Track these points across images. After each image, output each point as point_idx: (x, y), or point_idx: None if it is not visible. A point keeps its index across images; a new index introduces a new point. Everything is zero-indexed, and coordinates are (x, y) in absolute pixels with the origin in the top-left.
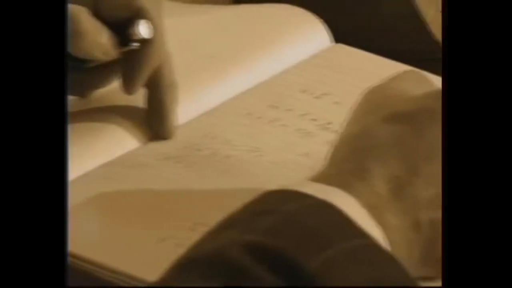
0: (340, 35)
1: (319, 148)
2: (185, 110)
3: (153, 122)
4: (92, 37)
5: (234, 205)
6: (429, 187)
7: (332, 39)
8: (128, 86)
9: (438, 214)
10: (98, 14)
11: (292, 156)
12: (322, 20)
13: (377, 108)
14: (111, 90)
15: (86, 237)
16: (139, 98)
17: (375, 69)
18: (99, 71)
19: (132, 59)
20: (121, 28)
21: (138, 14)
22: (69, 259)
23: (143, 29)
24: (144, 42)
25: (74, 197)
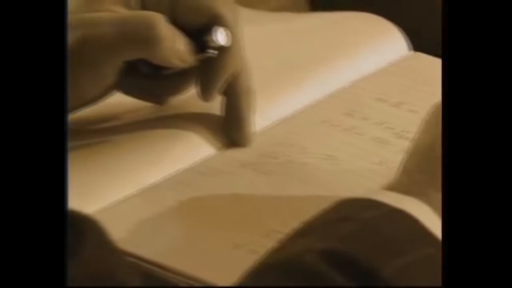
0: (418, 43)
1: (395, 156)
2: (261, 117)
3: (230, 129)
4: (170, 44)
5: (310, 212)
6: None
7: (410, 47)
8: (205, 93)
9: None
10: (175, 21)
11: (367, 164)
12: (400, 28)
13: None
14: (188, 97)
15: (162, 243)
16: (216, 105)
17: None
18: (176, 78)
19: (209, 66)
20: (198, 35)
21: (216, 21)
22: (145, 265)
23: (220, 36)
24: (221, 49)
25: (151, 203)
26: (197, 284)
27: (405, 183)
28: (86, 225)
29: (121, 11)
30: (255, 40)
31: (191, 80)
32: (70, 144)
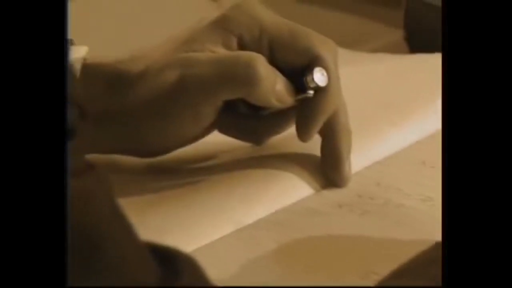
0: None
1: None
2: (359, 157)
3: (327, 169)
4: (269, 84)
5: (407, 254)
6: None
7: None
8: (303, 134)
9: None
10: (274, 61)
11: None
12: None
13: None
14: (286, 137)
15: (259, 283)
16: (313, 145)
17: None
18: (274, 118)
19: (307, 107)
20: (296, 75)
21: (315, 61)
22: None
23: (318, 77)
24: (319, 89)
25: (248, 243)
26: None
27: None
28: (184, 263)
29: (220, 51)
30: (353, 81)
31: (289, 120)
32: (168, 183)
